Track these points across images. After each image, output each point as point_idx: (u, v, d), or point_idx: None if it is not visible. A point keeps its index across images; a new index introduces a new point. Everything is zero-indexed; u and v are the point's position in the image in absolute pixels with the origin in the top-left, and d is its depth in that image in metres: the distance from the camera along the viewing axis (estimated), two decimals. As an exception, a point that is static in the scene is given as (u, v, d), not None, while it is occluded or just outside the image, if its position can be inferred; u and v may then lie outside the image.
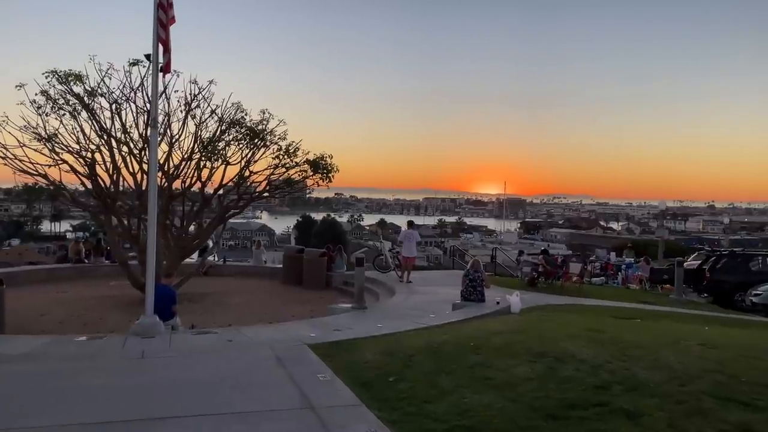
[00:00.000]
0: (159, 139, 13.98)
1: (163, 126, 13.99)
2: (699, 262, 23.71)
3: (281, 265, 23.49)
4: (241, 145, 14.89)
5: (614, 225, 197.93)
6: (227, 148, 14.75)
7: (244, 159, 15.01)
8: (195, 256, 19.03)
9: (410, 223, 17.61)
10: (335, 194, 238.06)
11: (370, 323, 10.09)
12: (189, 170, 14.56)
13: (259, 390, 5.58)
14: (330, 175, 14.97)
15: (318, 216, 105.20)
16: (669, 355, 6.16)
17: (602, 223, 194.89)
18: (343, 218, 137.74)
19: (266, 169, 15.28)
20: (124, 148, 14.08)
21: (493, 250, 22.64)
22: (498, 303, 10.88)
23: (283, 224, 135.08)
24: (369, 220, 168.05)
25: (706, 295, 17.18)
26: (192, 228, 15.97)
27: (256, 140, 14.69)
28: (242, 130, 14.54)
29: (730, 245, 46.52)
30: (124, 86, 13.53)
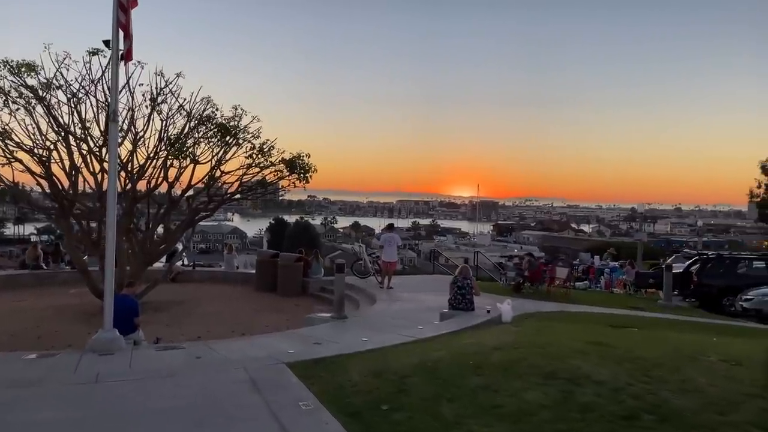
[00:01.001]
0: (122, 135, 13.00)
1: (125, 121, 12.99)
2: (681, 265, 23.59)
3: (254, 271, 22.57)
4: (211, 143, 13.94)
5: (585, 227, 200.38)
6: (196, 146, 13.78)
7: (215, 158, 14.06)
8: (165, 260, 18.00)
9: (390, 226, 16.80)
10: (308, 197, 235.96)
11: (352, 336, 9.32)
12: (155, 170, 13.56)
13: (230, 425, 4.76)
14: (307, 175, 14.10)
15: (291, 218, 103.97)
16: (694, 374, 5.53)
17: (573, 225, 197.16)
18: (316, 221, 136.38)
19: (238, 169, 14.37)
20: (84, 146, 13.03)
21: (475, 254, 22.00)
22: (488, 312, 10.20)
23: (255, 227, 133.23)
24: (343, 222, 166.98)
25: (693, 299, 16.80)
26: (159, 231, 14.98)
27: (227, 137, 13.74)
28: (212, 127, 13.56)
29: (704, 247, 46.83)
30: (83, 78, 12.51)
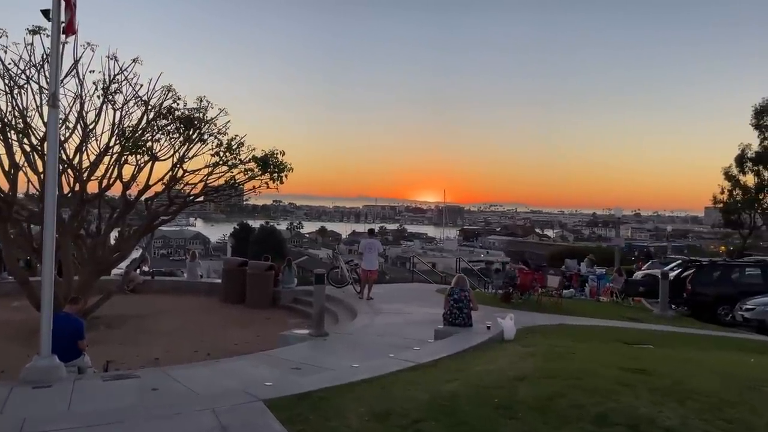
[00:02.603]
0: (69, 128, 11.48)
1: (72, 111, 11.39)
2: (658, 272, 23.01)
3: (219, 279, 21.02)
4: (172, 139, 12.43)
5: (549, 232, 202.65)
6: (156, 142, 12.23)
7: (177, 154, 12.54)
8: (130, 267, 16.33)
9: (371, 232, 15.56)
10: (273, 201, 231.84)
11: (338, 359, 8.08)
12: (108, 167, 11.96)
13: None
14: (282, 175, 12.72)
15: (255, 224, 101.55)
16: (776, 415, 4.48)
17: (537, 230, 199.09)
18: (281, 226, 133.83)
19: (204, 167, 12.89)
20: (26, 142, 11.43)
21: (457, 261, 20.90)
22: (489, 328, 9.07)
23: (218, 232, 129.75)
24: (309, 227, 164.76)
25: (685, 308, 16.04)
26: (113, 236, 13.45)
27: (191, 131, 12.29)
28: (173, 120, 12.04)
29: (673, 252, 46.95)
30: (25, 63, 10.94)
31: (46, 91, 11.10)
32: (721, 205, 36.70)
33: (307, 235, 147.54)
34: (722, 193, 36.25)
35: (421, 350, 7.90)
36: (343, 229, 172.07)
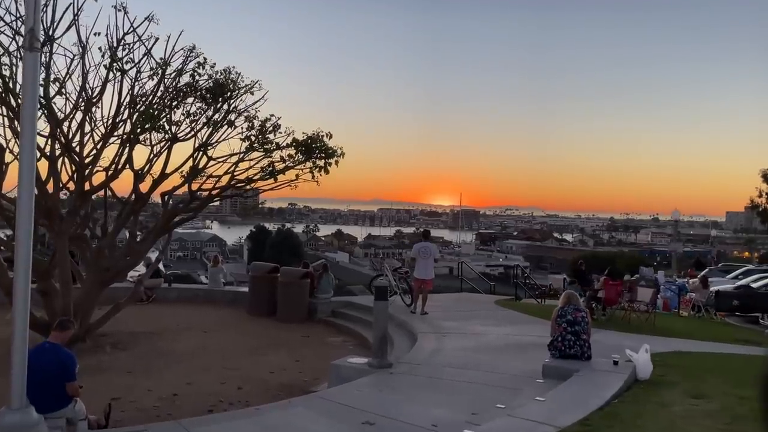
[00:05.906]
0: (70, 100, 9.30)
1: (74, 71, 9.10)
2: (720, 279, 20.62)
3: (238, 284, 18.92)
4: (194, 122, 10.12)
5: (567, 237, 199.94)
6: (174, 123, 9.93)
7: (200, 136, 10.27)
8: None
9: (426, 234, 13.14)
10: (288, 204, 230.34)
11: (422, 408, 5.82)
12: (118, 148, 9.65)
13: None
14: (332, 160, 10.40)
15: (271, 226, 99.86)
16: None
17: (556, 234, 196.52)
18: (297, 229, 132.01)
19: (233, 154, 10.66)
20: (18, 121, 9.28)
21: (514, 268, 18.44)
22: (616, 363, 6.77)
23: (235, 235, 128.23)
24: (324, 230, 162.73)
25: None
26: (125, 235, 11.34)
27: (218, 104, 9.97)
28: (198, 94, 9.70)
29: (719, 258, 44.12)
30: (15, 21, 8.76)
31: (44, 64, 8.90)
32: (760, 209, 34.41)
33: (323, 239, 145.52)
34: (760, 196, 34.05)
35: (547, 400, 5.59)
36: (359, 232, 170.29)
